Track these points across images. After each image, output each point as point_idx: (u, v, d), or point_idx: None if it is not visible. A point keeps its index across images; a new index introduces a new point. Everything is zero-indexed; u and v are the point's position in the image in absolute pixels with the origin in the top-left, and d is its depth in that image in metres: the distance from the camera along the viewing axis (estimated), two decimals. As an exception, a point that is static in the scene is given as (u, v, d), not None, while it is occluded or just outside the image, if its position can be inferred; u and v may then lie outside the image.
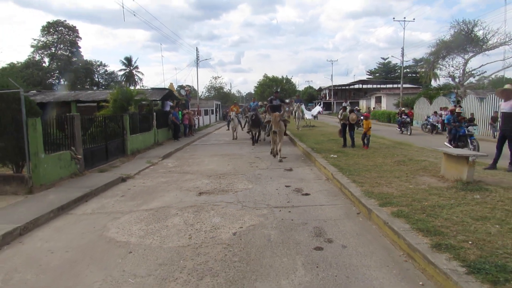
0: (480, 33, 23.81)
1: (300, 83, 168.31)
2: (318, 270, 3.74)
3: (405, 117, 21.58)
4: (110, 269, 3.98)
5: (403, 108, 25.27)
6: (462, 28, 24.31)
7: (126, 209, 6.44)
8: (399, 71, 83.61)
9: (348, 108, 17.22)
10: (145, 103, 17.06)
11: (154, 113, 16.66)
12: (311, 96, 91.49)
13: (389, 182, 6.70)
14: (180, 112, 20.01)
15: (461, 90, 24.22)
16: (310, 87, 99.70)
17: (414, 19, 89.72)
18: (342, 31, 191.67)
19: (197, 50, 30.08)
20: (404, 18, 33.77)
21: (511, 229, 4.01)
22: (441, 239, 3.82)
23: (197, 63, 28.31)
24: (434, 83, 34.89)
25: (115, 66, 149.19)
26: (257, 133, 16.19)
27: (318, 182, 8.04)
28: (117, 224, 5.57)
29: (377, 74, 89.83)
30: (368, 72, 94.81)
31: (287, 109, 17.05)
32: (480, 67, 24.65)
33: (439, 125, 20.81)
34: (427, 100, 25.44)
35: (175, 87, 27.32)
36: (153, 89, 20.03)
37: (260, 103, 21.88)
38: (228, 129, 22.82)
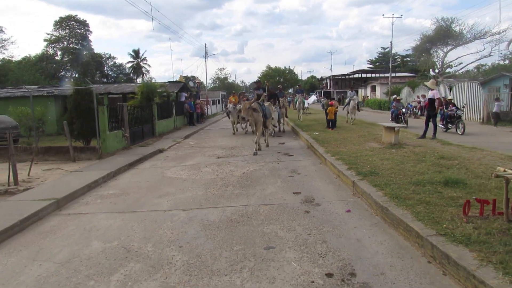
0: (457, 29, 26.77)
1: (303, 73, 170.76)
2: (288, 183, 7.10)
3: (453, 108, 14.63)
4: (176, 186, 7.34)
5: (449, 97, 17.30)
6: (441, 24, 27.32)
7: (171, 165, 9.82)
8: (399, 60, 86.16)
9: (355, 97, 18.94)
10: (165, 95, 20.41)
11: (174, 103, 20.02)
12: (313, 86, 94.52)
13: (345, 146, 10.05)
14: (192, 102, 23.34)
15: (439, 80, 27.32)
16: (313, 77, 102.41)
17: (401, 15, 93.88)
18: (346, 19, 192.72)
19: (205, 46, 33.64)
20: (393, 14, 36.84)
21: (395, 163, 7.33)
22: (354, 166, 7.16)
23: (205, 59, 31.74)
24: (433, 72, 37.97)
25: (121, 58, 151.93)
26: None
27: (301, 149, 11.40)
28: (170, 171, 8.95)
29: (377, 64, 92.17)
30: (368, 61, 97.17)
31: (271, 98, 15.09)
32: (456, 59, 27.74)
33: (418, 111, 23.98)
34: (410, 89, 28.57)
35: (183, 79, 30.67)
36: (170, 82, 23.43)
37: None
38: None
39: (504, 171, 3.94)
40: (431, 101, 11.01)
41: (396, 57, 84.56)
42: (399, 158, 7.81)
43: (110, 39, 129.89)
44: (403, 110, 17.98)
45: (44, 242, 4.66)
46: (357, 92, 60.74)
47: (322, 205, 5.55)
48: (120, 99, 21.97)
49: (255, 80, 18.19)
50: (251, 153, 10.80)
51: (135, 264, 3.84)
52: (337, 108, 16.02)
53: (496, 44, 25.47)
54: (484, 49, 25.75)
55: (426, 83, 12.16)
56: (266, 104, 12.59)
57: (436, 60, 28.20)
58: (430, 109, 11.03)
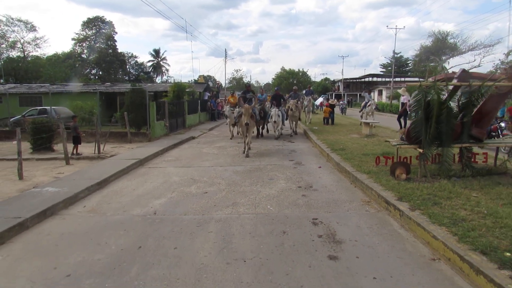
0: (451, 41, 29.87)
1: (317, 74, 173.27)
2: (287, 156, 10.61)
3: None
4: (212, 157, 10.91)
5: None
6: (437, 37, 30.44)
7: (204, 146, 13.41)
8: (410, 65, 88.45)
9: (372, 101, 19.71)
10: (192, 94, 24.08)
11: (199, 101, 23.70)
12: (325, 88, 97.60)
13: (333, 136, 13.52)
14: (214, 101, 27.00)
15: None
16: (326, 79, 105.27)
17: (404, 26, 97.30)
18: (363, 22, 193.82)
19: (225, 51, 37.51)
20: (396, 26, 39.91)
21: (360, 145, 10.76)
22: (331, 146, 10.64)
23: (225, 62, 35.44)
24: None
25: (140, 55, 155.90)
26: (262, 126, 15.89)
27: (301, 138, 14.89)
28: (204, 149, 12.54)
29: (389, 68, 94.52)
30: (381, 65, 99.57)
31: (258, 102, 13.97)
32: (450, 68, 30.74)
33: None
34: (408, 94, 31.71)
35: (197, 76, 34.37)
36: (195, 83, 27.16)
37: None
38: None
39: (394, 140, 7.39)
40: (403, 104, 14.43)
41: (408, 61, 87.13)
42: (365, 142, 11.27)
43: (128, 37, 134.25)
44: (502, 124, 12.04)
45: (145, 176, 8.29)
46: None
47: (306, 165, 9.07)
48: (152, 96, 25.80)
49: (269, 82, 20.16)
50: (262, 140, 14.27)
51: (200, 184, 7.41)
52: (335, 107, 19.40)
53: (484, 56, 28.48)
54: (474, 60, 28.81)
55: (398, 90, 15.53)
56: (258, 106, 13.27)
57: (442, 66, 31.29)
58: (402, 110, 14.46)
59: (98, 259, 4.00)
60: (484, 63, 28.49)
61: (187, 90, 22.67)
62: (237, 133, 15.61)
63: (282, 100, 15.68)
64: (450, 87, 6.24)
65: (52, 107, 19.70)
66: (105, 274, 3.66)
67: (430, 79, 6.48)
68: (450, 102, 6.18)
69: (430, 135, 6.09)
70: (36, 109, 20.05)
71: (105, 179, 7.65)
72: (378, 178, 6.41)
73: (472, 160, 7.19)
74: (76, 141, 11.39)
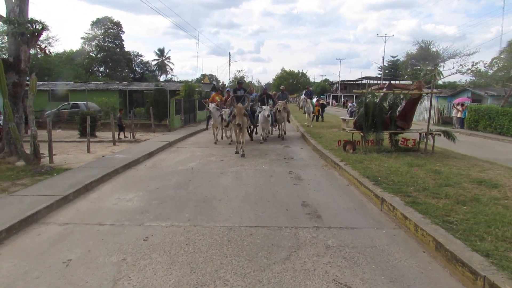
0: (433, 50, 33.25)
1: (317, 75, 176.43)
2: (282, 144, 14.02)
3: None
4: (223, 141, 14.30)
5: None
6: (421, 45, 33.82)
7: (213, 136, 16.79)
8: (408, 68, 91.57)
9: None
10: (200, 93, 27.48)
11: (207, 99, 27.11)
12: (324, 89, 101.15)
13: (318, 130, 16.93)
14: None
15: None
16: (326, 80, 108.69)
17: (393, 35, 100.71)
18: (364, 23, 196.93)
19: (229, 54, 40.86)
20: (385, 34, 43.40)
21: (335, 135, 14.16)
22: (313, 135, 14.07)
23: (229, 65, 38.89)
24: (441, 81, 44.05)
25: (145, 54, 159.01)
26: (253, 128, 15.37)
27: (295, 134, 18.30)
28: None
29: (386, 71, 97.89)
30: (379, 68, 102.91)
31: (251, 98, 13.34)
32: (444, 70, 33.96)
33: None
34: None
35: (199, 75, 37.61)
36: (203, 83, 30.61)
37: (274, 92, 19.18)
38: (207, 128, 17.86)
39: (348, 128, 10.81)
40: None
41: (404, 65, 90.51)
42: (340, 133, 14.70)
43: (130, 35, 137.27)
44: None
45: (177, 152, 11.70)
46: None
47: (291, 147, 12.52)
48: (164, 94, 29.25)
49: (270, 82, 23.05)
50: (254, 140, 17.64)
51: (218, 156, 10.82)
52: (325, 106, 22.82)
53: (461, 65, 31.74)
54: (453, 68, 32.05)
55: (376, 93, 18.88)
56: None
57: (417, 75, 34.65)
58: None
59: (169, 184, 7.42)
60: (463, 70, 31.70)
61: (196, 89, 26.07)
62: (221, 138, 15.12)
63: (270, 100, 15.24)
64: (381, 94, 9.65)
65: (83, 102, 23.15)
66: (175, 187, 7.08)
67: (371, 88, 9.87)
68: (382, 103, 9.59)
69: (368, 124, 9.49)
70: (69, 103, 23.44)
71: (151, 152, 11.07)
72: (335, 152, 9.84)
73: (404, 143, 10.60)
74: (121, 128, 14.83)
